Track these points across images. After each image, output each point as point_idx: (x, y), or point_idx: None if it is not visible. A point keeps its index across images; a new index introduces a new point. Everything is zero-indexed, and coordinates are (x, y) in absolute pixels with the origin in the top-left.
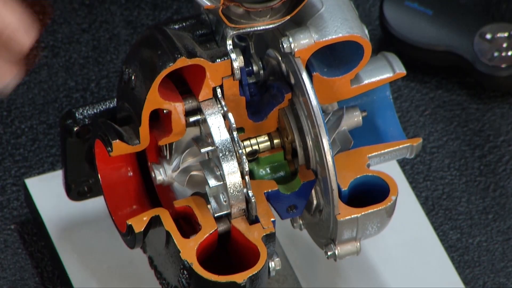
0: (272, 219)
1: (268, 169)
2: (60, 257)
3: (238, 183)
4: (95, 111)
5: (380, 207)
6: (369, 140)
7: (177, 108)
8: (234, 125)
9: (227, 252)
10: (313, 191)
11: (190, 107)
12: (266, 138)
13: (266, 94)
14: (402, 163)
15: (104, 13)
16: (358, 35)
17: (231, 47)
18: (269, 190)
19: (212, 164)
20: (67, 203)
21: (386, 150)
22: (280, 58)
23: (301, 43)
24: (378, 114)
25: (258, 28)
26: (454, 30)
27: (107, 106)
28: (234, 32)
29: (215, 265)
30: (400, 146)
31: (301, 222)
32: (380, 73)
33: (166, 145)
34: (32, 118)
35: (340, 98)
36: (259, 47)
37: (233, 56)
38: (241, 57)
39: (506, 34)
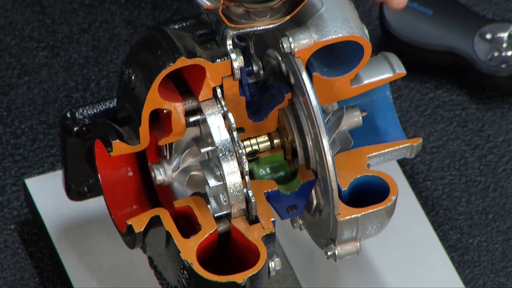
0: (272, 219)
1: (268, 169)
2: (60, 257)
3: (238, 183)
4: (95, 111)
5: (380, 207)
6: (369, 140)
7: (177, 108)
8: (234, 125)
9: (227, 252)
10: (313, 191)
11: (190, 107)
12: (266, 138)
13: (266, 94)
14: (402, 163)
15: (104, 13)
16: (358, 35)
17: (231, 47)
18: (269, 190)
19: (212, 164)
20: (67, 203)
21: (386, 150)
22: (280, 58)
23: (301, 43)
24: (378, 114)
25: (258, 28)
26: (454, 30)
27: (107, 106)
28: (234, 32)
29: (215, 265)
30: (400, 146)
31: (301, 222)
32: (380, 73)
33: (166, 145)
34: (32, 118)
35: (340, 98)
36: (259, 47)
37: (233, 56)
38: (241, 57)
39: (506, 34)
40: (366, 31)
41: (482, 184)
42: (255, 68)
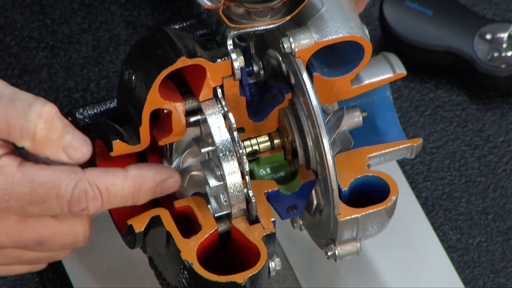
0: (273, 219)
1: (268, 169)
2: None
3: (238, 183)
4: (95, 111)
5: (380, 207)
6: (369, 140)
7: (178, 108)
8: (235, 125)
9: (227, 252)
10: (313, 191)
11: (190, 107)
12: (267, 138)
13: (267, 94)
14: (402, 163)
15: (104, 13)
16: (359, 35)
17: (231, 47)
18: (269, 190)
19: (212, 164)
20: None
21: (386, 151)
22: (280, 58)
23: (301, 43)
24: (379, 114)
25: (259, 28)
26: (454, 30)
27: (108, 106)
28: (235, 32)
29: (215, 265)
30: (401, 147)
31: (301, 222)
32: (381, 73)
33: (166, 145)
34: None
35: (341, 98)
36: (259, 47)
37: (233, 56)
38: (242, 57)
39: (506, 35)
40: (367, 31)
41: (482, 184)
42: (255, 68)
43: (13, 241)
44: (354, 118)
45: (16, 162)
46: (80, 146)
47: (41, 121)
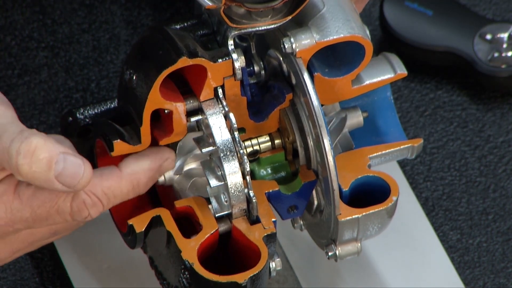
0: (273, 219)
1: (269, 169)
2: (60, 257)
3: (239, 183)
4: (96, 111)
5: (381, 208)
6: (370, 140)
7: (178, 108)
8: (235, 125)
9: (228, 252)
10: (314, 192)
11: (191, 107)
12: (267, 138)
13: (267, 94)
14: (402, 164)
15: (104, 13)
16: (360, 36)
17: (232, 47)
18: (270, 190)
19: (213, 164)
20: None
21: (387, 151)
22: (281, 59)
23: (302, 43)
24: (379, 114)
25: (260, 28)
26: (454, 30)
27: (108, 106)
28: (236, 32)
29: (216, 265)
30: (401, 147)
31: (301, 222)
32: (381, 73)
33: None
34: (32, 118)
35: (341, 98)
36: (260, 48)
37: (234, 56)
38: (243, 57)
39: (506, 35)
40: (368, 32)
41: (482, 184)
42: (256, 68)
43: (28, 244)
44: (355, 119)
45: (11, 188)
46: (75, 173)
47: (20, 157)
